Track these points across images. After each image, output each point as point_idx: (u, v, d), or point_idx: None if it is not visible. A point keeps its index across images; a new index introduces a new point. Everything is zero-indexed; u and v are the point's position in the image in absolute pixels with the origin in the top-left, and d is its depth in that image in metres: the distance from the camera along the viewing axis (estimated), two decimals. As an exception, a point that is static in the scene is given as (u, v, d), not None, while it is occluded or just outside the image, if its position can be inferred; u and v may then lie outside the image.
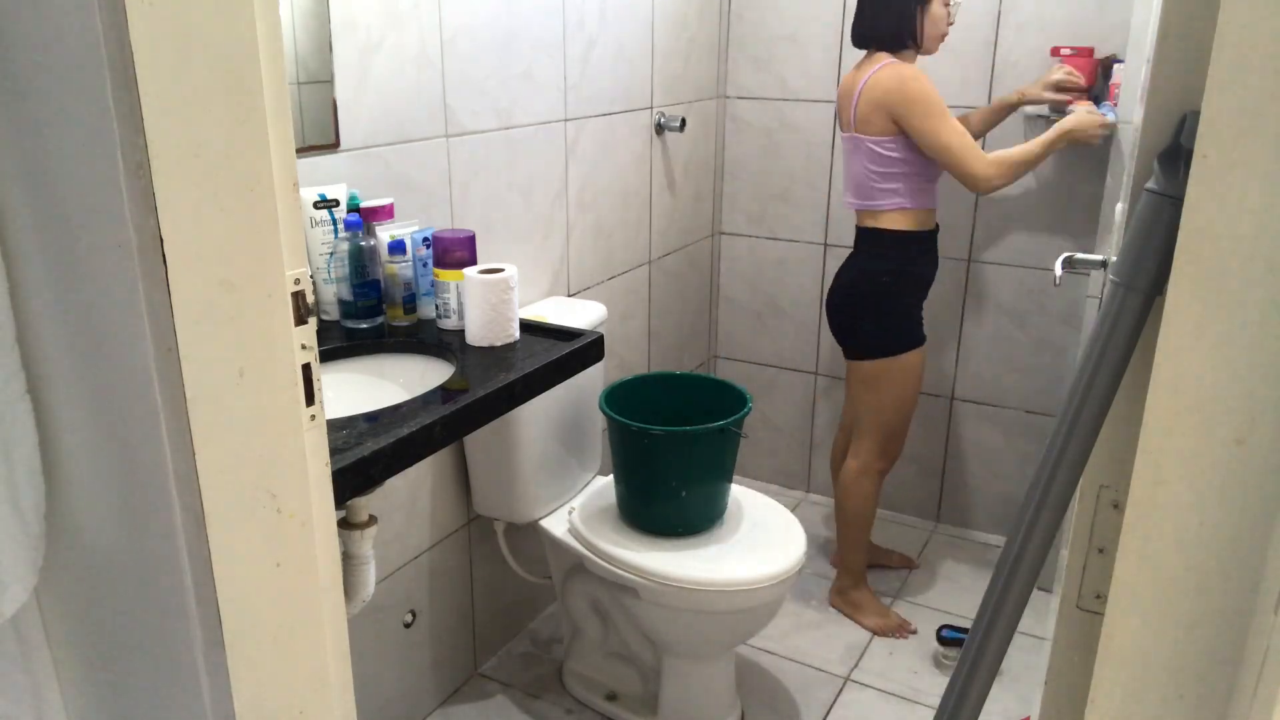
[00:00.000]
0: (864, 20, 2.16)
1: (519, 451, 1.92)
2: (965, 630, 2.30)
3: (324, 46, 1.54)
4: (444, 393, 1.38)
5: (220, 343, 0.74)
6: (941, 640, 2.23)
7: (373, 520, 1.34)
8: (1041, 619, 2.42)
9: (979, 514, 2.81)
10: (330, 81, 1.56)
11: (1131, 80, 2.10)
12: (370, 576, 1.36)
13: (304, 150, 1.53)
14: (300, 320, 0.79)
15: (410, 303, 1.63)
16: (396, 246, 1.57)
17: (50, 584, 0.89)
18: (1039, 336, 2.59)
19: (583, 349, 1.59)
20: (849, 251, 2.30)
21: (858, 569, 2.41)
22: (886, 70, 2.08)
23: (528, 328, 1.63)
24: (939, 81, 2.52)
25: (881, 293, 2.23)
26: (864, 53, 2.19)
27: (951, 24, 2.16)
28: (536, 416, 1.91)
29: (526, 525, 2.03)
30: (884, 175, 2.17)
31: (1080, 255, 1.79)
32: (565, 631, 2.15)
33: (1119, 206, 1.45)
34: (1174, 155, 0.65)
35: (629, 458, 1.89)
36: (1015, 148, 2.12)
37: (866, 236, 2.24)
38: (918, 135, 2.08)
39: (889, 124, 2.10)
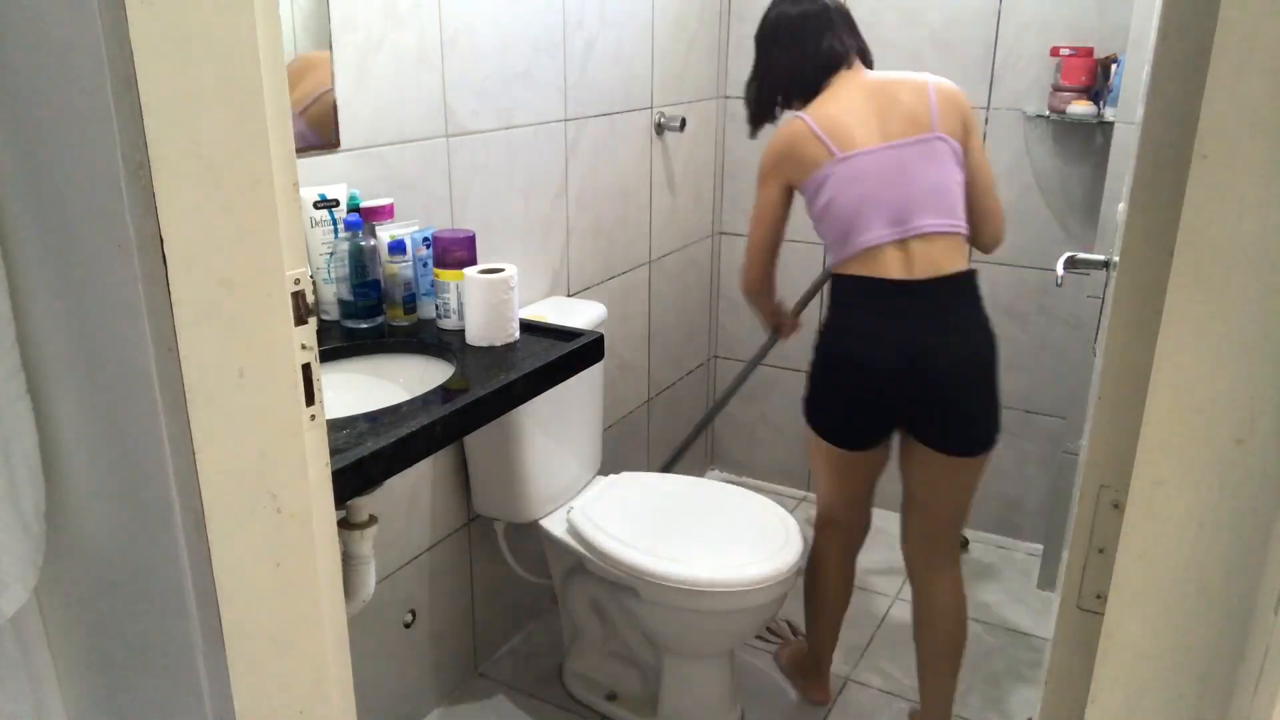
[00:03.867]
0: (855, 37, 1.83)
1: (519, 451, 1.92)
2: None
3: (324, 46, 1.54)
4: (444, 393, 1.38)
5: (220, 343, 0.74)
6: None
7: (373, 520, 1.34)
8: (1042, 619, 2.43)
9: (979, 514, 2.81)
10: (330, 81, 1.56)
11: (1131, 80, 2.10)
12: (370, 576, 1.36)
13: (304, 150, 1.53)
14: (300, 320, 0.79)
15: (410, 303, 1.63)
16: (396, 246, 1.57)
17: (50, 584, 0.89)
18: (1039, 336, 2.59)
19: (583, 349, 1.59)
20: (931, 309, 1.69)
21: None
22: (934, 77, 1.75)
23: (528, 328, 1.63)
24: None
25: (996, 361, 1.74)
26: (845, 69, 1.78)
27: None
28: (536, 416, 1.91)
29: (526, 525, 2.03)
30: (960, 192, 1.72)
31: (1082, 255, 1.79)
32: (565, 631, 2.15)
33: (1120, 206, 1.46)
34: None
35: None
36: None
37: (970, 282, 1.72)
38: (974, 155, 1.74)
39: (960, 132, 1.72)
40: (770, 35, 1.82)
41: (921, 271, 1.67)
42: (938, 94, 1.70)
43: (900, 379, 1.69)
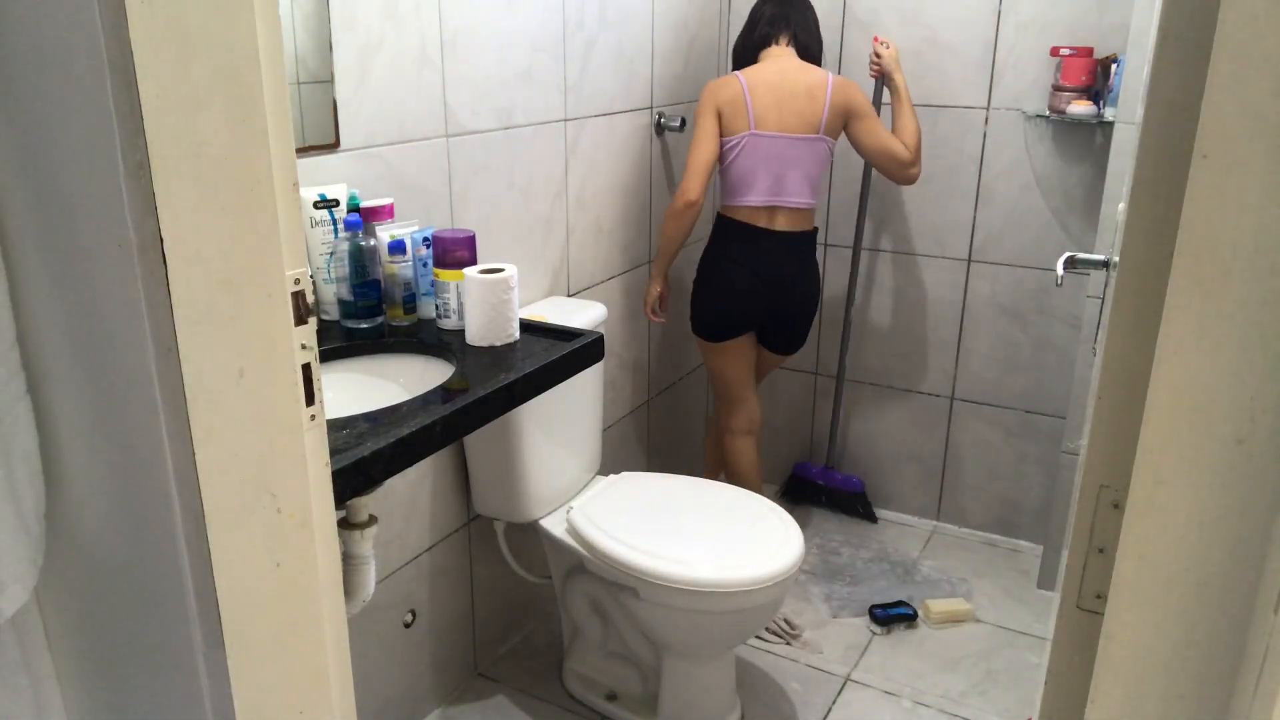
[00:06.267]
0: (804, 31, 2.36)
1: (519, 451, 1.92)
2: (896, 605, 2.41)
3: (324, 46, 1.54)
4: (444, 393, 1.38)
5: (220, 343, 0.74)
6: (874, 619, 2.39)
7: (373, 520, 1.34)
8: (1041, 619, 2.43)
9: (979, 513, 2.81)
10: (330, 81, 1.56)
11: (1132, 80, 2.10)
12: (370, 576, 1.36)
13: (304, 150, 1.53)
14: (300, 320, 0.79)
15: (410, 303, 1.63)
16: (396, 246, 1.57)
17: (50, 584, 0.89)
18: (1039, 336, 2.59)
19: (583, 349, 1.59)
20: (785, 252, 2.34)
21: None
22: (836, 77, 2.29)
23: (528, 328, 1.63)
24: (940, 82, 2.53)
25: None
26: (777, 47, 2.33)
27: None
28: (536, 416, 1.91)
29: (526, 525, 2.03)
30: (821, 177, 2.39)
31: (1082, 255, 1.79)
32: (565, 631, 2.15)
33: (1120, 206, 1.46)
34: None
35: None
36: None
37: (811, 239, 2.39)
38: (862, 136, 2.31)
39: (840, 128, 2.33)
40: (748, 18, 2.45)
41: (781, 226, 2.33)
42: (832, 97, 2.27)
43: (754, 295, 2.36)
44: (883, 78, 2.42)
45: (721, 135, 2.27)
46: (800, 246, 2.36)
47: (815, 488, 2.93)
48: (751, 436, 2.52)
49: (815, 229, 2.39)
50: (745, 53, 2.38)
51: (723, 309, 2.38)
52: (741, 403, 2.49)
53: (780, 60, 2.30)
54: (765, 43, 2.34)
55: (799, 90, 2.25)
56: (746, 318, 2.39)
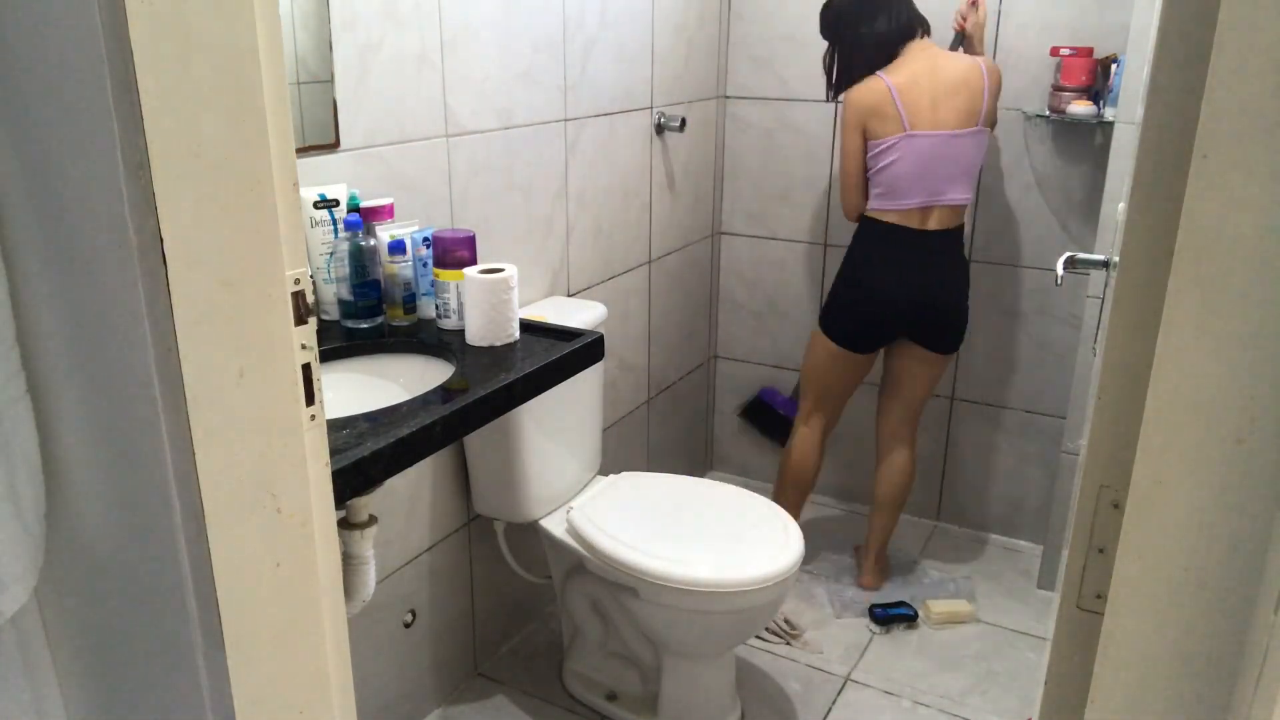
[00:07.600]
0: (907, 8, 2.18)
1: (519, 451, 1.92)
2: (896, 605, 2.42)
3: (324, 46, 1.54)
4: (444, 393, 1.38)
5: (220, 343, 0.74)
6: (874, 618, 2.39)
7: (373, 520, 1.34)
8: (1041, 619, 2.43)
9: (979, 513, 2.81)
10: (330, 81, 1.56)
11: (1131, 80, 2.10)
12: (370, 576, 1.36)
13: (304, 150, 1.53)
14: (300, 320, 0.79)
15: (410, 303, 1.63)
16: (396, 246, 1.57)
17: (50, 584, 0.89)
18: (1039, 336, 2.59)
19: (583, 349, 1.59)
20: (935, 254, 2.23)
21: None
22: (986, 62, 2.18)
23: (528, 328, 1.63)
24: (939, 81, 2.52)
25: None
26: (914, 43, 2.17)
27: None
28: (536, 416, 1.91)
29: (526, 525, 2.03)
30: (980, 168, 2.26)
31: (1082, 255, 1.80)
32: (565, 631, 2.15)
33: (1120, 206, 1.46)
34: None
35: None
36: None
37: (961, 234, 2.27)
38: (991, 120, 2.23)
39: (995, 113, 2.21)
40: (852, 14, 2.21)
41: (934, 225, 2.21)
42: (989, 85, 2.16)
43: (907, 304, 2.23)
44: (963, 34, 2.28)
45: (869, 139, 2.17)
46: (950, 246, 2.24)
47: (776, 417, 2.92)
48: (817, 434, 2.45)
49: (963, 224, 2.28)
50: (883, 44, 2.17)
51: (866, 317, 2.27)
52: (828, 409, 2.43)
53: (928, 51, 2.16)
54: (910, 34, 2.17)
55: (956, 82, 2.13)
56: (889, 327, 2.27)
